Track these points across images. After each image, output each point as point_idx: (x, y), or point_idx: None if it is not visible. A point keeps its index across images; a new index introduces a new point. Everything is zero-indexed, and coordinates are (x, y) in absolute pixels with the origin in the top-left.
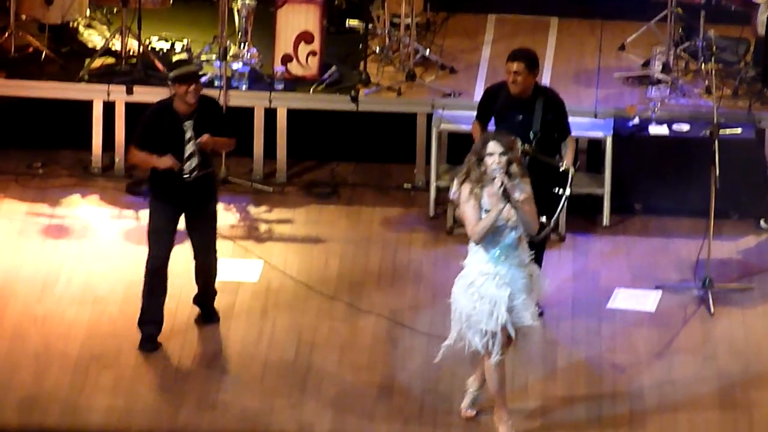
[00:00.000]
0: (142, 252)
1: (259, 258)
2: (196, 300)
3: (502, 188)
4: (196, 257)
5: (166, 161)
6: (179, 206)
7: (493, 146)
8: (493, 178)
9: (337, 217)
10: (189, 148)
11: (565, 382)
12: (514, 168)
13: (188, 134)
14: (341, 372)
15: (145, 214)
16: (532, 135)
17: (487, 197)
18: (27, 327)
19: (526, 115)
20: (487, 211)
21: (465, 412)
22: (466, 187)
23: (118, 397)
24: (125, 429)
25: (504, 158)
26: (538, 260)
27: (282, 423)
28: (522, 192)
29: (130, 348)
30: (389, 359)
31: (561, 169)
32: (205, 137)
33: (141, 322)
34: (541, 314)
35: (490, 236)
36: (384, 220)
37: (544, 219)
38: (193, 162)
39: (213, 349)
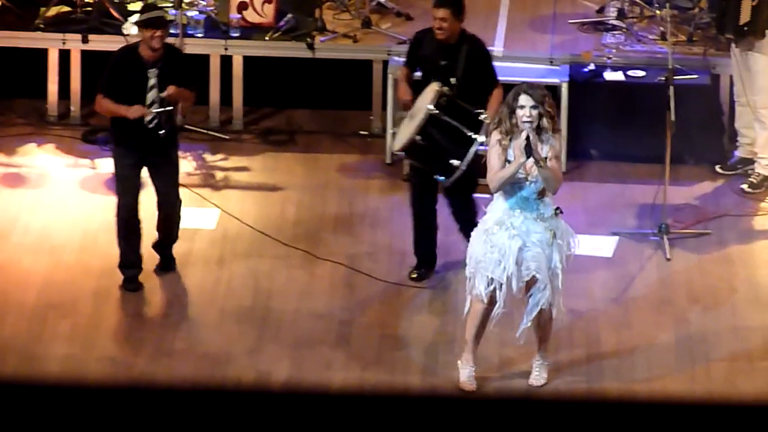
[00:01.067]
0: (98, 200)
1: (215, 206)
2: (156, 246)
3: (526, 142)
4: (159, 203)
5: (134, 110)
6: (142, 153)
7: (524, 99)
8: (522, 131)
9: (294, 164)
10: (151, 96)
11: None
12: (545, 122)
13: (152, 81)
14: (298, 319)
15: (101, 163)
16: (453, 80)
17: (514, 149)
18: None
19: (450, 60)
20: (509, 162)
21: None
22: (495, 135)
23: (74, 346)
24: (82, 377)
25: (535, 111)
26: (467, 205)
27: (239, 370)
28: (550, 147)
29: (86, 297)
30: (347, 306)
31: (476, 113)
32: (171, 89)
33: (121, 265)
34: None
35: (509, 187)
36: (341, 167)
37: (456, 162)
38: (156, 110)
39: (170, 297)
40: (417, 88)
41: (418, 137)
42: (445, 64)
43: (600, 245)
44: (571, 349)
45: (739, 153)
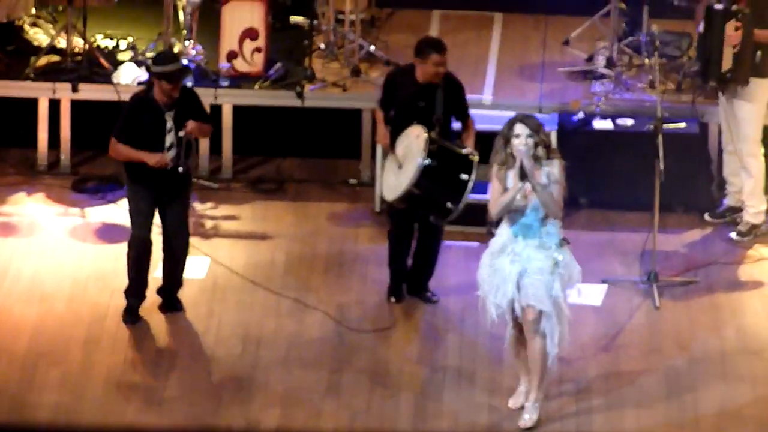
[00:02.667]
0: (88, 249)
1: (205, 255)
2: (162, 290)
3: (520, 167)
4: (167, 240)
5: (157, 159)
6: (158, 191)
7: (520, 128)
8: (517, 158)
9: (284, 213)
10: (169, 138)
11: (512, 374)
12: (540, 151)
13: (169, 124)
14: (288, 368)
15: (90, 212)
16: (434, 120)
17: (512, 178)
18: None
19: (427, 102)
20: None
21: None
22: (494, 167)
23: (65, 394)
24: (73, 425)
25: (531, 140)
26: (434, 247)
27: (229, 419)
28: (547, 175)
29: (77, 345)
30: (336, 355)
31: (465, 155)
32: (191, 124)
33: (128, 293)
34: (436, 301)
35: (512, 214)
36: (330, 215)
37: (450, 204)
38: (173, 151)
39: (160, 345)
40: (393, 128)
41: (414, 189)
42: (423, 105)
43: (589, 293)
44: (560, 396)
45: (727, 201)
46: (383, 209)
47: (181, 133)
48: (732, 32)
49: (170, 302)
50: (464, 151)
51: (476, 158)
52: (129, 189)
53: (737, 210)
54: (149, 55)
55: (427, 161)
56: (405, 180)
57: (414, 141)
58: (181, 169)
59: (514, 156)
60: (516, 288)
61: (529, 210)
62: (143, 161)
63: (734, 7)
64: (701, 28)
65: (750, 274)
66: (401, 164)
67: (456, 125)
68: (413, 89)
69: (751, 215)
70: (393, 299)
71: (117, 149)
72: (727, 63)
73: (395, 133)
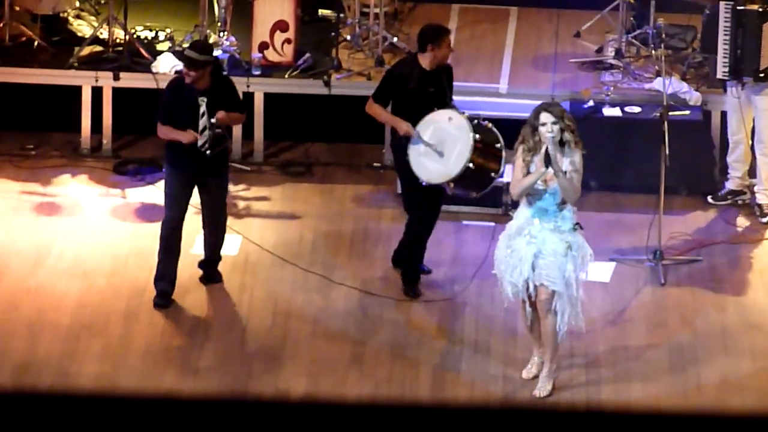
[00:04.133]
0: (128, 228)
1: (237, 233)
2: (202, 263)
3: (546, 153)
4: (205, 221)
5: (187, 136)
6: (194, 174)
7: (545, 116)
8: (544, 145)
9: (311, 195)
10: (202, 123)
11: (525, 347)
12: (567, 136)
13: (202, 108)
14: (315, 340)
15: (130, 193)
16: (449, 102)
17: (536, 163)
18: (21, 298)
19: (436, 86)
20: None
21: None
22: (519, 150)
23: (105, 364)
24: (113, 393)
25: (556, 126)
26: (430, 229)
27: (259, 387)
28: (570, 161)
29: (117, 317)
30: (360, 327)
31: (491, 127)
32: (221, 113)
33: (156, 279)
34: (429, 272)
35: (530, 197)
36: (355, 197)
37: (493, 174)
38: (206, 135)
39: (195, 318)
40: (409, 117)
41: (471, 165)
42: (433, 91)
43: (598, 271)
44: (571, 368)
45: (729, 185)
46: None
47: (213, 120)
48: None
49: (210, 275)
50: (489, 123)
51: (500, 139)
52: (166, 172)
53: (739, 193)
54: (185, 45)
55: (477, 136)
56: (458, 160)
57: (447, 123)
58: (208, 152)
59: (541, 143)
60: (531, 268)
61: (547, 194)
62: (177, 139)
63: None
64: (724, 23)
65: (751, 254)
66: (439, 148)
67: None
68: (421, 77)
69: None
70: (414, 295)
71: (160, 129)
72: (765, 61)
73: (410, 120)
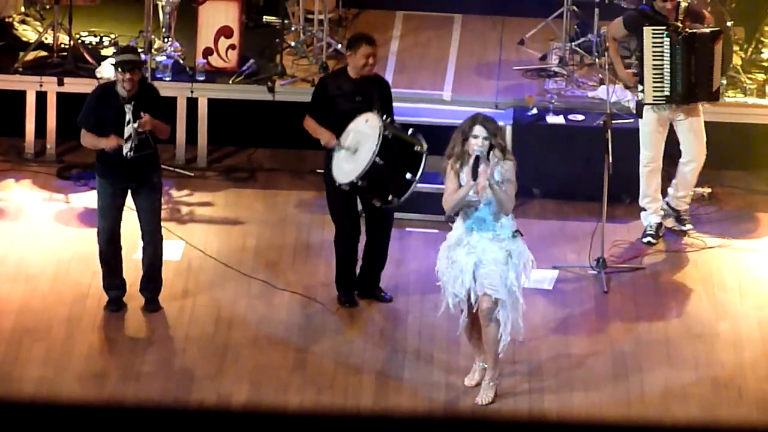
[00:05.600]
0: (71, 233)
1: (180, 238)
2: (143, 286)
3: (474, 165)
4: (142, 229)
5: (110, 142)
6: (123, 183)
7: (478, 129)
8: (472, 157)
9: (255, 200)
10: (128, 130)
11: (467, 355)
12: (497, 153)
13: (128, 116)
14: (258, 346)
15: (74, 198)
16: (376, 110)
17: (465, 174)
18: None
19: (365, 96)
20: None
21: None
22: (449, 161)
23: (48, 369)
24: (55, 398)
25: (487, 143)
26: (384, 242)
27: (202, 393)
28: (501, 173)
29: (60, 322)
30: (303, 334)
31: (412, 132)
32: (145, 117)
33: (105, 288)
34: (389, 300)
35: (467, 209)
36: (298, 203)
37: (409, 175)
38: (132, 142)
39: (137, 324)
40: (336, 126)
41: (377, 160)
42: (360, 100)
43: (541, 278)
44: (513, 375)
45: (655, 220)
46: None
47: (135, 125)
48: (719, 52)
49: (151, 301)
50: (409, 131)
51: (422, 144)
52: (97, 183)
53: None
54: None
55: (386, 132)
56: (367, 155)
57: (363, 124)
58: (131, 154)
59: (469, 153)
60: (473, 278)
61: (482, 204)
62: (101, 147)
63: (714, 28)
64: (654, 48)
65: (693, 262)
66: (355, 149)
67: None
68: (349, 86)
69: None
70: (347, 305)
71: (83, 137)
72: (716, 81)
73: (339, 131)
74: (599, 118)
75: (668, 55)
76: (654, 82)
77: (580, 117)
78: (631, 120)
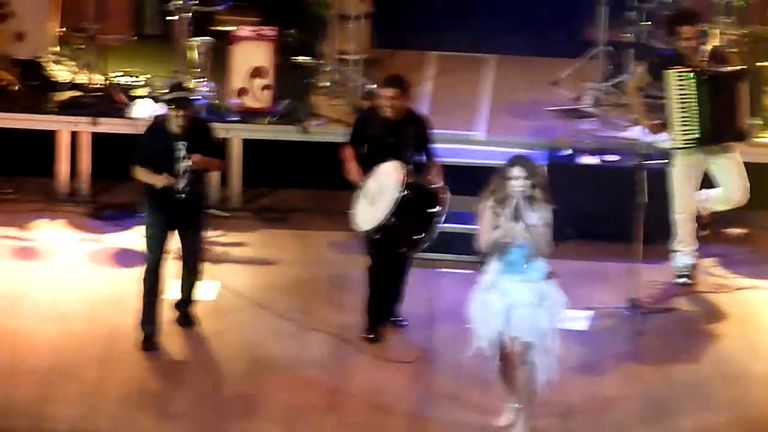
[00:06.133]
0: (104, 273)
1: (214, 278)
2: (178, 305)
3: (515, 208)
4: (183, 264)
5: (162, 179)
6: (171, 218)
7: (517, 171)
8: (513, 199)
9: (287, 240)
10: (181, 167)
11: (499, 396)
12: (536, 192)
13: (181, 153)
14: (290, 386)
15: (107, 237)
16: (405, 156)
17: (505, 215)
18: None
19: (397, 138)
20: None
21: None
22: (488, 202)
23: (81, 408)
24: None
25: (527, 182)
26: (403, 276)
27: None
28: (539, 216)
29: (92, 362)
30: (335, 374)
31: (435, 192)
32: (196, 157)
33: (141, 323)
34: (405, 325)
35: (499, 251)
36: (330, 244)
37: (420, 235)
38: (184, 180)
39: (171, 363)
40: (365, 163)
41: (392, 219)
42: (393, 141)
43: (575, 319)
44: (546, 416)
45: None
46: (364, 245)
47: (188, 163)
48: (745, 91)
49: (185, 317)
50: (434, 187)
51: (447, 195)
52: (146, 216)
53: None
54: (163, 91)
55: (404, 192)
56: (382, 211)
57: (389, 176)
58: (183, 195)
59: (510, 195)
60: (505, 321)
61: (515, 248)
62: (152, 183)
63: (739, 67)
64: (679, 90)
65: (727, 303)
66: (375, 198)
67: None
68: (383, 126)
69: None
70: (371, 336)
71: (135, 172)
72: (743, 120)
73: (367, 169)
74: (633, 159)
75: (695, 96)
76: (683, 125)
77: (614, 157)
78: (666, 161)
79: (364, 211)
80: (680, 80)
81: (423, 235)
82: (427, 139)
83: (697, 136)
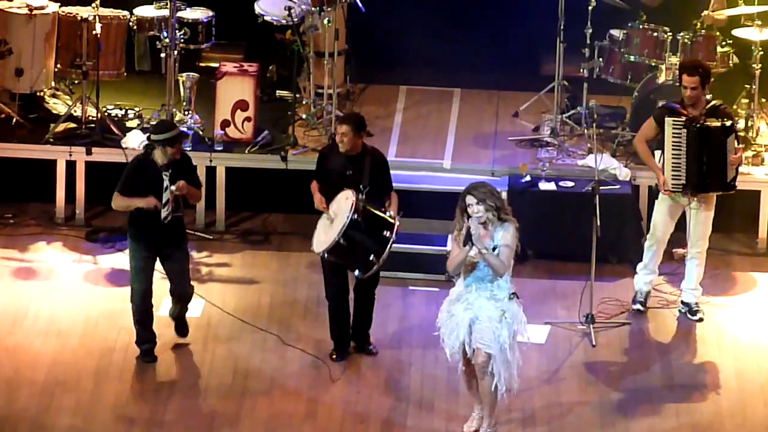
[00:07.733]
0: (99, 291)
1: (200, 296)
2: (173, 319)
3: (466, 234)
4: (173, 287)
5: (148, 200)
6: (155, 246)
7: (470, 198)
8: (465, 225)
9: (269, 261)
10: (166, 195)
11: (467, 403)
12: (492, 215)
13: (165, 182)
14: (272, 395)
15: (101, 259)
16: (361, 188)
17: (461, 242)
18: (0, 356)
19: (355, 170)
20: None
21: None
22: (454, 230)
23: (78, 418)
24: None
25: (481, 207)
26: (369, 303)
27: None
28: (498, 237)
29: (88, 374)
30: (313, 385)
31: (387, 217)
32: (181, 183)
33: (137, 342)
34: (375, 353)
35: (467, 268)
36: (310, 264)
37: (372, 258)
38: (169, 207)
39: (161, 376)
40: (329, 195)
41: (341, 240)
42: (351, 174)
43: (534, 333)
44: (509, 423)
45: (646, 290)
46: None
47: (173, 188)
48: (733, 145)
49: (180, 327)
50: (387, 213)
51: (397, 222)
52: (130, 247)
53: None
54: (153, 122)
55: (354, 216)
56: (334, 233)
57: (343, 202)
58: (166, 219)
59: (464, 222)
60: (468, 333)
61: (482, 265)
62: (138, 205)
63: (729, 123)
64: (674, 139)
65: (674, 318)
66: (332, 222)
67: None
68: (341, 160)
69: (697, 297)
70: (334, 357)
71: (116, 200)
72: (731, 173)
73: (329, 199)
74: (588, 185)
75: (685, 145)
76: (672, 170)
77: (570, 183)
78: (618, 186)
79: (321, 234)
80: (675, 128)
81: (373, 257)
82: (382, 172)
83: (683, 182)
